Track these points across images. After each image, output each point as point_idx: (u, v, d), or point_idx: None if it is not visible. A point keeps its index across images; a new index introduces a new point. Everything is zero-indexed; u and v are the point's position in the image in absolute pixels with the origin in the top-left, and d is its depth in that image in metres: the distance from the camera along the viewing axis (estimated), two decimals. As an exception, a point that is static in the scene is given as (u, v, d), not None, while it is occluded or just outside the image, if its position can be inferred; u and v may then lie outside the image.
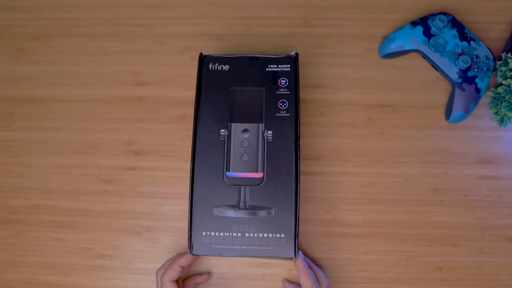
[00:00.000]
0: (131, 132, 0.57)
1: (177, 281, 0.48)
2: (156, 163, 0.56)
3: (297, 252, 0.45)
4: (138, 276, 0.54)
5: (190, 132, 0.56)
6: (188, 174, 0.55)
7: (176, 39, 0.59)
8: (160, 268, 0.50)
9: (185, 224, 0.55)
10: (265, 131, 0.46)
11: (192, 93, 0.57)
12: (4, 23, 0.60)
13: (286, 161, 0.45)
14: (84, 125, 0.57)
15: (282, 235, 0.44)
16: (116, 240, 0.55)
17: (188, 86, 0.58)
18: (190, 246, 0.44)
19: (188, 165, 0.56)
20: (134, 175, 0.56)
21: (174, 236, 0.55)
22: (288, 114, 0.47)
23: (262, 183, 0.45)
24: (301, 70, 0.56)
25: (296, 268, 0.48)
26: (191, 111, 0.57)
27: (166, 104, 0.57)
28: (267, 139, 0.46)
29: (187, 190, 0.55)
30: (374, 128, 0.56)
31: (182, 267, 0.48)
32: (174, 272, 0.47)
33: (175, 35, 0.59)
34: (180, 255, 0.49)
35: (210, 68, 0.48)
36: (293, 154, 0.46)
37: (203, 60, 0.49)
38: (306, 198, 0.54)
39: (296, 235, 0.44)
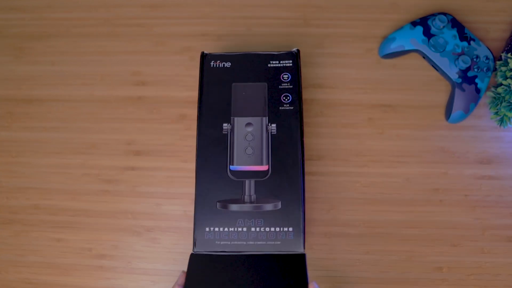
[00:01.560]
0: (131, 132, 0.57)
1: None
2: (156, 163, 0.56)
3: (312, 283, 0.42)
4: (138, 276, 0.54)
5: (190, 132, 0.56)
6: (188, 174, 0.55)
7: (176, 39, 0.59)
8: None
9: (185, 224, 0.55)
10: (269, 124, 0.46)
11: (192, 93, 0.57)
12: (4, 23, 0.60)
13: (291, 153, 0.45)
14: (84, 125, 0.57)
15: (290, 229, 0.43)
16: (116, 240, 0.55)
17: (188, 86, 0.58)
18: (193, 243, 0.43)
19: (188, 165, 0.56)
20: (134, 175, 0.56)
21: (174, 236, 0.55)
22: (291, 107, 0.46)
23: (268, 176, 0.44)
24: (301, 70, 0.56)
25: None
26: (191, 111, 0.57)
27: (166, 104, 0.57)
28: (271, 132, 0.46)
29: (187, 190, 0.55)
30: (374, 128, 0.56)
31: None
32: None
33: (175, 35, 0.59)
34: (180, 276, 0.44)
35: (212, 66, 0.48)
36: (299, 146, 0.45)
37: (205, 58, 0.49)
38: (306, 198, 0.54)
39: (304, 229, 0.43)
